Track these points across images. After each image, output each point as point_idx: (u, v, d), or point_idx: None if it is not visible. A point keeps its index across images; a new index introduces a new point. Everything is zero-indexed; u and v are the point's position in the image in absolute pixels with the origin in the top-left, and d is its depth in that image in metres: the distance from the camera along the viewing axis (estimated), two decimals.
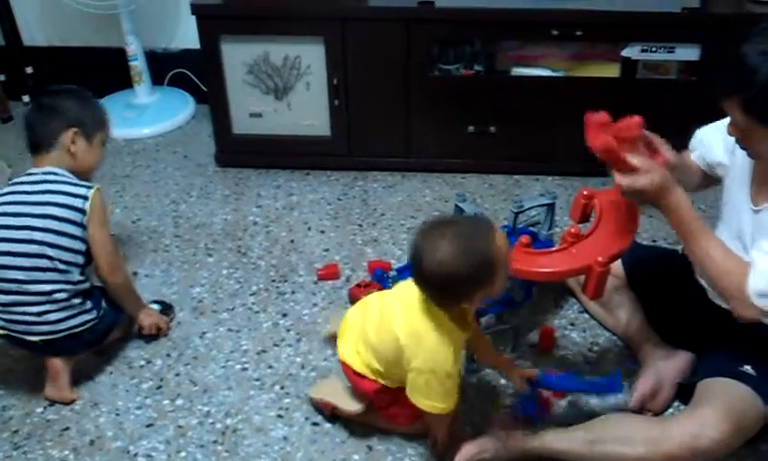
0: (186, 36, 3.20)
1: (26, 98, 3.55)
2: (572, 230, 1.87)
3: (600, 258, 1.76)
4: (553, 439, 1.84)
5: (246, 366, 2.19)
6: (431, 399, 1.74)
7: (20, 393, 2.13)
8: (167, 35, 3.42)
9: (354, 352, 1.86)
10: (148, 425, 2.03)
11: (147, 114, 3.37)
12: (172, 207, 2.86)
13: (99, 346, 2.20)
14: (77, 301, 2.07)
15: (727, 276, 1.71)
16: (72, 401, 2.11)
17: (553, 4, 2.65)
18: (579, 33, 2.67)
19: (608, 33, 2.70)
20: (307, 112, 2.95)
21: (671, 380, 2.00)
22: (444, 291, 1.65)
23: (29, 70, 3.51)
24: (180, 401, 2.10)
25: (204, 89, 3.20)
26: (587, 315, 2.31)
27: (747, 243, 1.83)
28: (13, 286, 2.02)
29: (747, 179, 1.85)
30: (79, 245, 2.07)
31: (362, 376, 1.86)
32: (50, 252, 2.02)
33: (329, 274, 2.49)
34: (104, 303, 2.15)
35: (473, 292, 1.65)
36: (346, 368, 1.90)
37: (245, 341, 2.27)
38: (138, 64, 3.32)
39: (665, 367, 2.02)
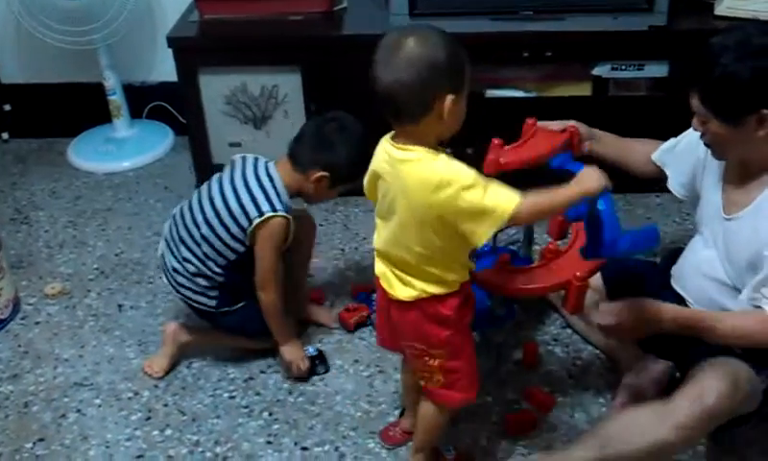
0: (164, 69, 3.21)
1: (5, 135, 3.56)
2: (551, 247, 1.91)
3: (578, 273, 1.80)
4: (565, 456, 1.84)
5: (234, 394, 2.21)
6: (492, 204, 1.51)
7: (9, 429, 2.13)
8: (145, 68, 3.44)
9: (399, 282, 1.69)
10: (138, 457, 2.04)
11: (126, 148, 3.38)
12: (154, 239, 2.86)
13: (221, 330, 2.28)
14: (202, 282, 2.17)
15: (753, 337, 1.77)
16: (156, 376, 2.25)
17: (523, 26, 2.70)
18: (549, 54, 2.73)
19: (577, 53, 2.75)
20: (286, 140, 2.91)
21: (653, 390, 2.03)
22: (412, 92, 1.50)
23: (7, 108, 3.52)
24: (169, 432, 2.11)
25: (183, 121, 3.23)
26: (569, 330, 2.34)
27: (721, 250, 1.88)
28: (181, 231, 2.18)
29: (719, 188, 1.91)
30: (235, 244, 2.12)
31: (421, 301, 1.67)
32: (205, 230, 2.13)
33: (313, 299, 2.51)
34: (235, 306, 2.21)
35: (442, 88, 1.50)
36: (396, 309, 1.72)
37: (232, 369, 2.29)
38: (117, 99, 3.34)
39: (646, 378, 2.06)
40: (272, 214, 2.07)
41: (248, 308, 2.20)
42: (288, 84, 2.88)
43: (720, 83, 1.69)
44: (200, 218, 2.14)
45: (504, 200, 1.52)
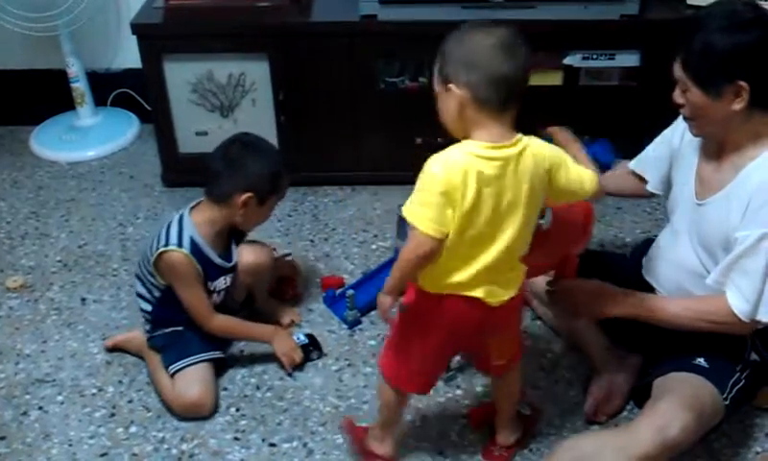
0: (128, 55, 3.15)
1: None
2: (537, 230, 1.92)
3: (573, 251, 1.84)
4: None
5: None
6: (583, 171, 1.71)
7: None
8: (109, 55, 3.37)
9: (505, 283, 1.68)
10: (102, 455, 2.00)
11: (91, 136, 3.31)
12: (119, 230, 2.82)
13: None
14: (147, 315, 2.21)
15: (711, 317, 1.80)
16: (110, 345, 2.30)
17: (494, 15, 2.67)
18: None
19: (549, 42, 2.73)
20: (254, 129, 2.85)
21: (623, 383, 2.04)
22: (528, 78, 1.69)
23: None
24: (134, 429, 2.07)
25: (149, 109, 3.17)
26: (539, 322, 2.33)
27: (693, 236, 1.88)
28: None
29: (692, 174, 1.91)
30: (150, 282, 2.14)
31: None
32: (139, 274, 2.19)
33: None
34: (166, 339, 2.18)
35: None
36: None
37: None
38: (80, 86, 3.27)
39: (617, 370, 2.06)
40: (164, 249, 2.06)
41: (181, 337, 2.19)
42: (255, 72, 2.83)
43: (701, 49, 1.71)
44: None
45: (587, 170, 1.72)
